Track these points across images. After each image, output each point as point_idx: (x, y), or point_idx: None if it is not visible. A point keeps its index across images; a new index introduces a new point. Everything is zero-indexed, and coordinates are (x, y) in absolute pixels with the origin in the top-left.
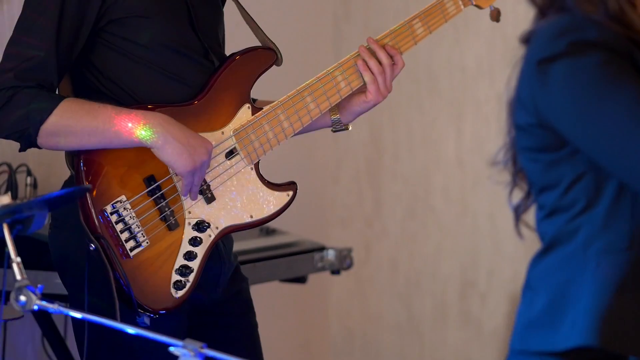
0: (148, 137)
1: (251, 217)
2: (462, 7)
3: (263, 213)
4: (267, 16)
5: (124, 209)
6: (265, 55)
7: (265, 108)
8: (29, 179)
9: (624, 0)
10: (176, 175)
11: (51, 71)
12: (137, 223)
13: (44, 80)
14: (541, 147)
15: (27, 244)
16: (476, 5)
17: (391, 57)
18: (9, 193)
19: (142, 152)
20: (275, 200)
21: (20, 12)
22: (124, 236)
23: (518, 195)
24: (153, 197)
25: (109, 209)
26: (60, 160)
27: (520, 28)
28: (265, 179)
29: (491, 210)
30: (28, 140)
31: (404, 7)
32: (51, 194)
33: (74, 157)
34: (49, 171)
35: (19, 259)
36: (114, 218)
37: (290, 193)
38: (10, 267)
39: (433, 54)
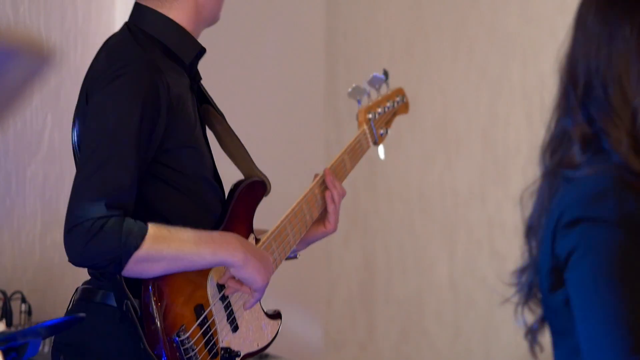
0: (231, 257)
1: (257, 345)
2: (370, 144)
3: (264, 341)
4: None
5: (186, 337)
6: (259, 187)
7: (263, 239)
8: (23, 306)
9: None
10: (218, 300)
11: (133, 198)
12: (195, 351)
13: (129, 207)
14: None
15: None
16: (375, 143)
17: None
18: (4, 320)
19: (194, 280)
20: (271, 327)
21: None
22: None
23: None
24: (202, 326)
25: (175, 336)
26: (54, 287)
27: (511, 151)
28: (263, 308)
29: (484, 334)
30: (116, 269)
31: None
32: (46, 322)
33: (142, 283)
34: (44, 298)
35: None
36: (179, 345)
37: (279, 321)
38: None
39: (425, 177)
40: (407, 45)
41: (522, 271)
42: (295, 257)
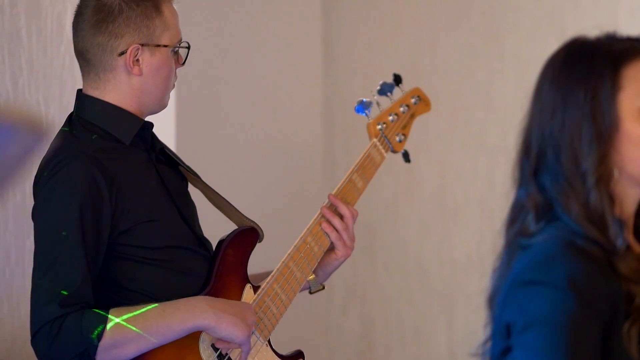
0: (201, 321)
1: None
2: (384, 153)
3: None
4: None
5: None
6: (250, 236)
7: (263, 285)
8: None
9: (605, 199)
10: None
11: (89, 291)
12: None
13: (85, 301)
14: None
15: None
16: (393, 151)
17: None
18: None
19: (187, 346)
20: None
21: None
22: None
23: None
24: None
25: None
26: None
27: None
28: (278, 352)
29: None
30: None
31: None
32: None
33: None
34: None
35: None
36: None
37: None
38: None
39: (423, 247)
40: None
41: (485, 342)
42: (321, 288)
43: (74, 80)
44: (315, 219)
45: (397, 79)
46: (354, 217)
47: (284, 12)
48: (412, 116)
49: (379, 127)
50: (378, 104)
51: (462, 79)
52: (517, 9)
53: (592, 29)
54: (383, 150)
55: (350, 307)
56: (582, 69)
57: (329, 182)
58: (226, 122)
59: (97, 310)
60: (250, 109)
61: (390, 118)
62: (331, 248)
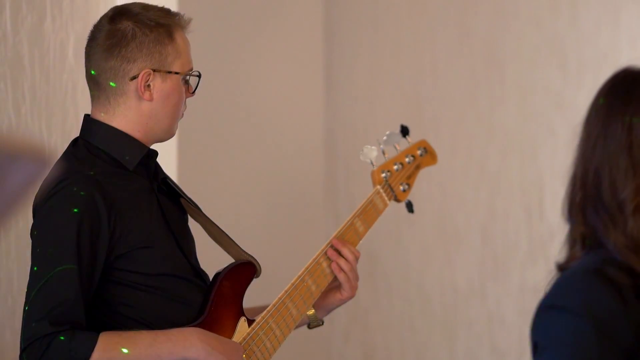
0: (190, 354)
1: None
2: (387, 201)
3: None
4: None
5: None
6: (247, 270)
7: (258, 319)
8: None
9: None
10: None
11: (81, 311)
12: None
13: (77, 320)
14: None
15: None
16: (396, 200)
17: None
18: None
19: None
20: None
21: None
22: None
23: None
24: None
25: None
26: None
27: (510, 246)
28: None
29: None
30: None
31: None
32: None
33: None
34: None
35: None
36: None
37: None
38: None
39: (424, 274)
40: None
41: None
42: (320, 324)
43: (77, 108)
44: (314, 259)
45: (404, 130)
46: (357, 258)
47: (285, 39)
48: (418, 167)
49: (384, 175)
50: (384, 152)
51: (463, 105)
52: (519, 36)
53: (594, 57)
54: (386, 198)
55: (352, 334)
56: (622, 100)
57: (331, 211)
58: (227, 150)
59: (87, 333)
60: (251, 137)
61: (395, 167)
62: (334, 287)
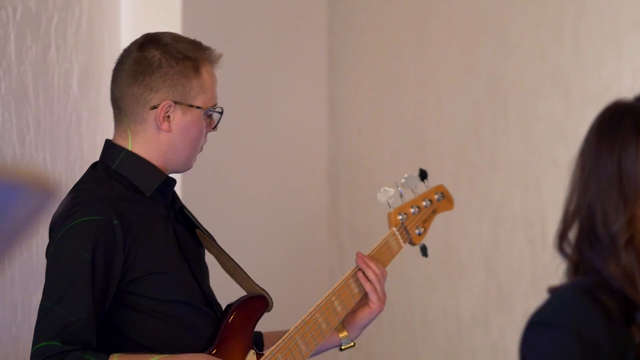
0: None
1: None
2: (402, 244)
3: None
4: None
5: None
6: (259, 303)
7: (266, 354)
8: None
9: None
10: None
11: (93, 332)
12: None
13: (88, 341)
14: None
15: None
16: (411, 243)
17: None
18: None
19: None
20: None
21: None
22: None
23: None
24: None
25: None
26: None
27: (514, 277)
28: None
29: None
30: None
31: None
32: None
33: None
34: None
35: None
36: None
37: None
38: None
39: (428, 303)
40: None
41: None
42: (352, 345)
43: (81, 138)
44: (326, 297)
45: (423, 174)
46: (384, 276)
47: (289, 72)
48: (434, 212)
49: (400, 217)
50: (401, 195)
51: (466, 137)
52: (522, 67)
53: (597, 88)
54: (402, 241)
55: None
56: (610, 135)
57: (335, 242)
58: (232, 180)
59: (98, 354)
60: (256, 167)
61: (412, 210)
62: (363, 304)
